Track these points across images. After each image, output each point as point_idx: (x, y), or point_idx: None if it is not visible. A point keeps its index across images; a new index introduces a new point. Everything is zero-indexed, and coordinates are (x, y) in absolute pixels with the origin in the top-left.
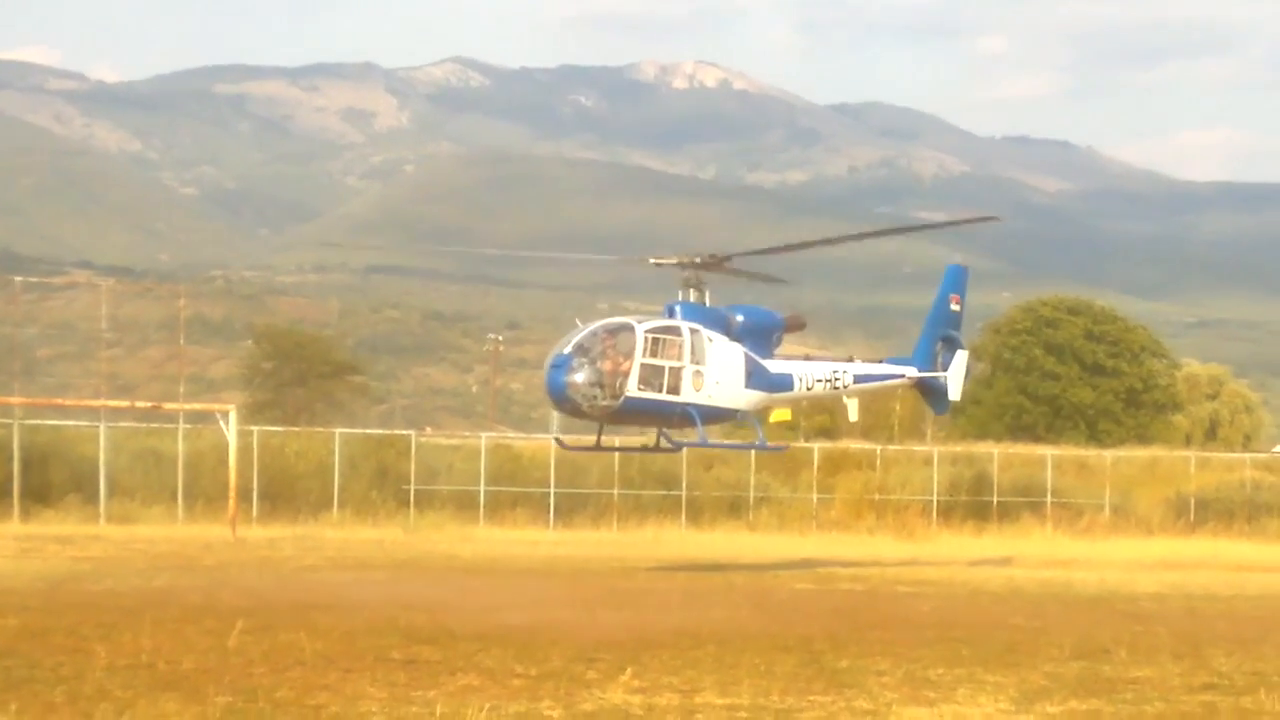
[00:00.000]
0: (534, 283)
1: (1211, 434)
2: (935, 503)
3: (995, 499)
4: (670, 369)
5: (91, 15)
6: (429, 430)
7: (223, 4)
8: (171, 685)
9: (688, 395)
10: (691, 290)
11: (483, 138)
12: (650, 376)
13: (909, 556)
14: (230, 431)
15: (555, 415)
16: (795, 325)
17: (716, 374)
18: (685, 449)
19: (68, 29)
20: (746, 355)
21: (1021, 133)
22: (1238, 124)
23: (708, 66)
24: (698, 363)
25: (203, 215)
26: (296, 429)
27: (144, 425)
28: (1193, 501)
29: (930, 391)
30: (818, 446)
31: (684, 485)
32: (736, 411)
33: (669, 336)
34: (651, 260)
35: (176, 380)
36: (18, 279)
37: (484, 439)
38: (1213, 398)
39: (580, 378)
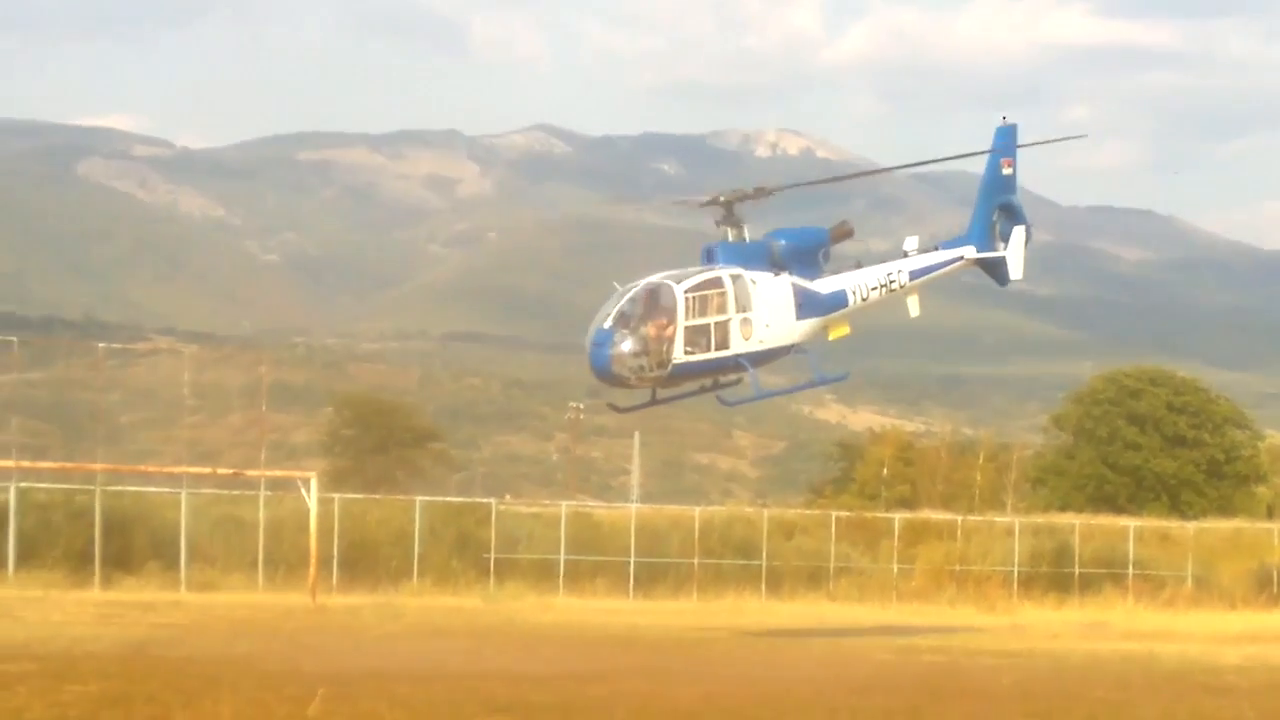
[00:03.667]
0: None
1: None
2: (1016, 574)
3: (1077, 570)
4: (716, 324)
5: (177, 82)
6: (509, 498)
7: (307, 71)
8: None
9: (737, 346)
10: (730, 230)
11: (565, 205)
12: (696, 337)
13: (996, 626)
14: (311, 499)
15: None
16: (841, 234)
17: (765, 316)
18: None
19: (153, 96)
20: (794, 286)
21: (1105, 202)
22: None
23: (790, 135)
24: (744, 310)
25: (285, 282)
26: (377, 496)
27: (225, 492)
28: (1276, 573)
29: (992, 267)
30: (898, 517)
31: (764, 555)
32: (791, 347)
33: (710, 291)
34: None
35: (258, 447)
36: (101, 345)
37: (564, 507)
38: None
39: (625, 350)
